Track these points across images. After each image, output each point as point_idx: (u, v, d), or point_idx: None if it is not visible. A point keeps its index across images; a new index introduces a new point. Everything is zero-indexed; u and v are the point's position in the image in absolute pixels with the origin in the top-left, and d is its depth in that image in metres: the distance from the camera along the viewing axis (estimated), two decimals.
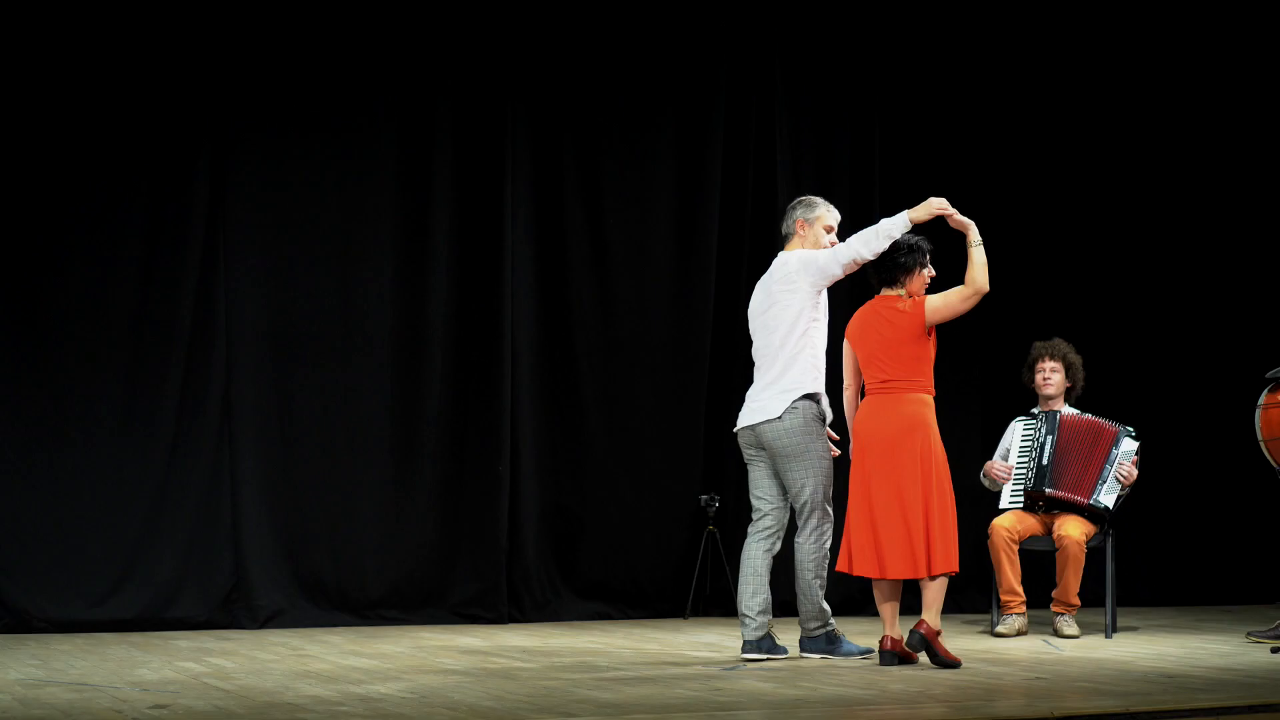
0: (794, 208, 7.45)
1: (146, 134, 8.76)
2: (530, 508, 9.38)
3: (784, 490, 7.26)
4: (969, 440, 10.13)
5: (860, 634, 8.15)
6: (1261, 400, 8.23)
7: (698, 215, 9.75)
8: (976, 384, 10.33)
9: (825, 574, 7.18)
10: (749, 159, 9.97)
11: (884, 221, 7.09)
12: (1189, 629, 8.92)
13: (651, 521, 9.58)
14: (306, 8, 9.07)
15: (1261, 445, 8.21)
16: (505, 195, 9.37)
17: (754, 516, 7.33)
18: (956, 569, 6.93)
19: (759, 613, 7.19)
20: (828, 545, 7.19)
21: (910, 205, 7.15)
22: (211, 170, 8.87)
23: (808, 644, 7.24)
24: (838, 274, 7.17)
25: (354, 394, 9.13)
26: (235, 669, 6.86)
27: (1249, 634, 8.30)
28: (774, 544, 7.27)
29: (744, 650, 7.21)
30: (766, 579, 7.21)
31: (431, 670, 6.83)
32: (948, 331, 10.29)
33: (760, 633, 7.20)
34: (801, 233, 7.36)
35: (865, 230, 7.11)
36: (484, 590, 9.25)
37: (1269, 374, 8.28)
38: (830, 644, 7.21)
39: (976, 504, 9.23)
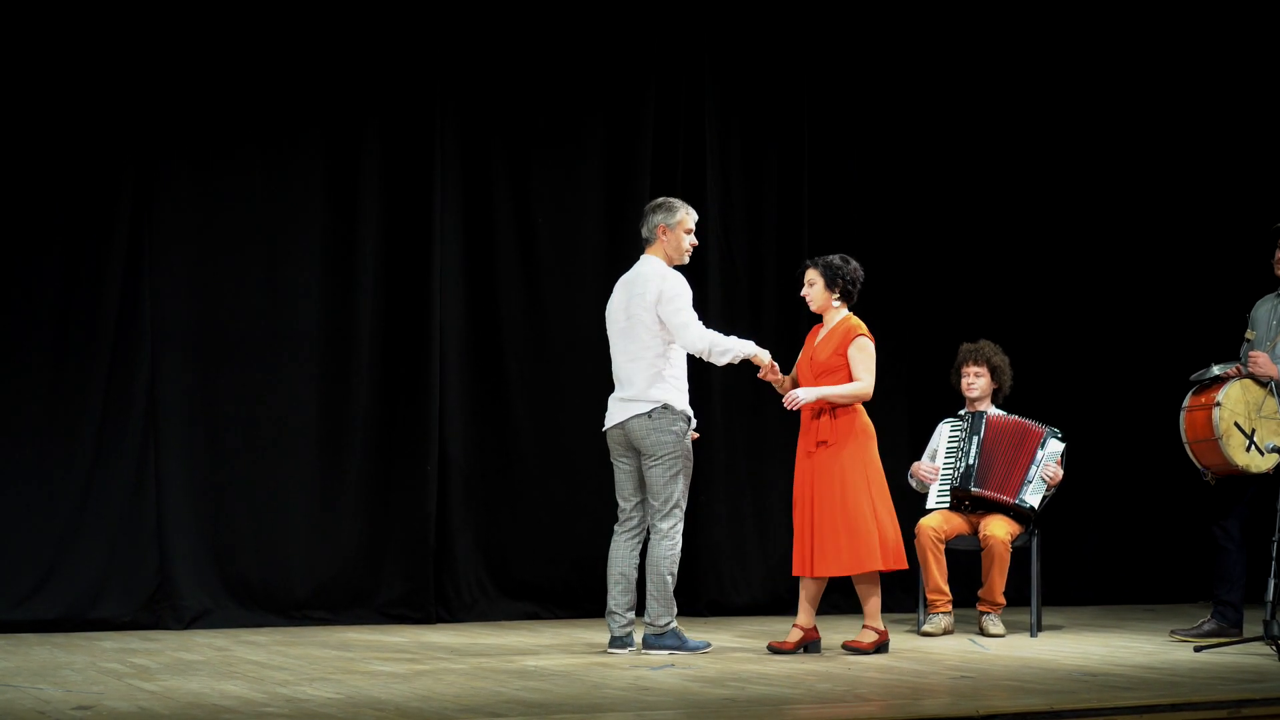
0: (653, 212, 7.60)
1: (73, 136, 8.65)
2: (458, 508, 9.35)
3: (642, 488, 7.50)
4: (897, 441, 10.18)
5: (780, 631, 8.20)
6: (1186, 403, 8.31)
7: (626, 218, 9.72)
8: (904, 385, 10.38)
9: (677, 571, 7.49)
10: (677, 163, 9.96)
11: (738, 345, 7.47)
12: (1113, 628, 9.00)
13: (580, 522, 9.56)
14: (235, 12, 8.99)
15: (1186, 447, 8.29)
16: (434, 197, 9.33)
17: (620, 517, 7.60)
18: None
19: (627, 609, 7.49)
20: (680, 542, 7.50)
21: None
22: (138, 170, 8.78)
23: (656, 640, 7.45)
24: (676, 342, 7.44)
25: (281, 395, 9.07)
26: (159, 669, 6.81)
27: (1172, 633, 8.39)
28: (640, 543, 7.57)
29: (612, 646, 7.49)
30: (634, 579, 7.52)
31: (358, 671, 6.81)
32: (878, 331, 10.41)
33: (630, 629, 7.48)
34: (663, 238, 7.56)
35: (721, 340, 7.43)
36: (412, 591, 9.21)
37: (1193, 376, 8.37)
38: (679, 640, 7.46)
39: (903, 504, 9.29)
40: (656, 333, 7.44)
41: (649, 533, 7.55)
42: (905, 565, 7.62)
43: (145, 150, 8.80)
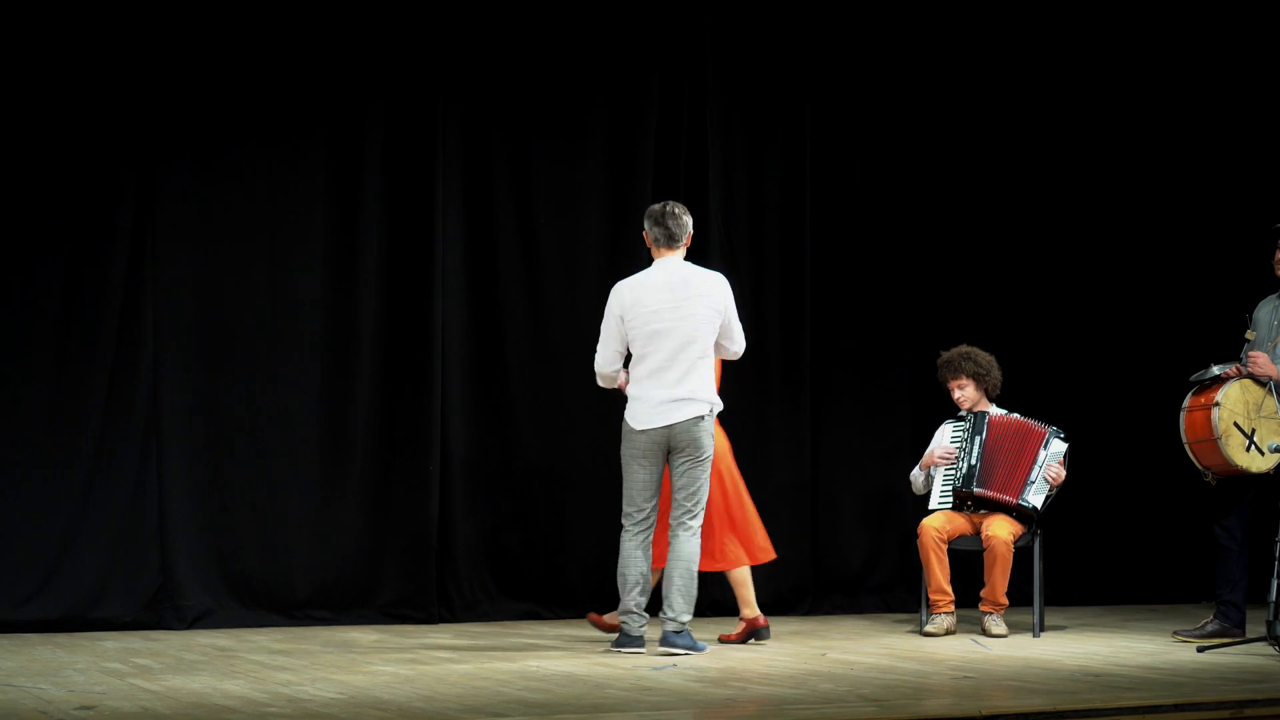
0: (685, 213, 7.64)
1: (74, 135, 8.64)
2: (461, 508, 9.35)
3: (659, 490, 7.55)
4: (898, 442, 10.18)
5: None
6: (1185, 403, 8.31)
7: (628, 217, 9.72)
8: (907, 385, 10.37)
9: None
10: (680, 161, 9.96)
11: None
12: (1116, 628, 9.00)
13: (582, 521, 9.56)
14: (237, 11, 8.99)
15: (1186, 447, 8.29)
16: (436, 197, 9.33)
17: (637, 517, 7.54)
18: None
19: (644, 609, 7.53)
20: None
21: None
22: (140, 170, 8.77)
23: (675, 638, 7.44)
24: (732, 348, 7.69)
25: (283, 395, 9.06)
26: (162, 669, 6.81)
27: (1175, 633, 8.39)
28: (649, 544, 7.59)
29: (628, 645, 7.46)
30: (651, 581, 7.62)
31: (360, 671, 6.81)
32: (880, 330, 10.44)
33: (646, 629, 7.50)
34: (688, 244, 7.58)
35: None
36: (414, 590, 9.21)
37: (1193, 377, 8.37)
38: (692, 641, 7.51)
39: (902, 503, 9.29)
40: (713, 334, 7.52)
41: (679, 530, 7.48)
42: (743, 562, 8.00)
43: (147, 149, 8.79)
